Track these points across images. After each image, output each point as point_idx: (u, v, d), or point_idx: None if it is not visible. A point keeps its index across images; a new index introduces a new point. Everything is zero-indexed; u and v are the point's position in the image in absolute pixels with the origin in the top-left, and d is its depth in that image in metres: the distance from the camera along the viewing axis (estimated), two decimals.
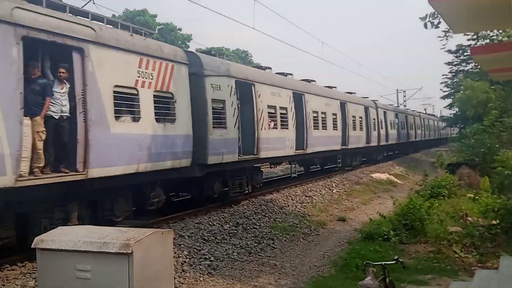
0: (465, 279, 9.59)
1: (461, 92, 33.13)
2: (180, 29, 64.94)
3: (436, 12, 10.63)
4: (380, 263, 6.67)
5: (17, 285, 8.49)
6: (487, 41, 24.74)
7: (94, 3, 16.51)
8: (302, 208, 17.48)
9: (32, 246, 6.16)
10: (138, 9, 61.21)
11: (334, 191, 21.82)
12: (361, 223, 15.94)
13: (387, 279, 6.52)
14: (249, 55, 77.77)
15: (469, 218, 14.24)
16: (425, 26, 10.99)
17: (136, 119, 11.84)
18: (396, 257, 6.86)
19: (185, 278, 9.61)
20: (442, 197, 17.58)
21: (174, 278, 8.69)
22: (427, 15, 11.51)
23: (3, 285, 8.44)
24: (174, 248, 9.35)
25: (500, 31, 19.91)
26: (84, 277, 5.78)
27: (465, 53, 41.30)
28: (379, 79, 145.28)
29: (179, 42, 59.64)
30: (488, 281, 7.99)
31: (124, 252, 5.59)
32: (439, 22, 11.04)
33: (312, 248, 13.09)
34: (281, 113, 19.77)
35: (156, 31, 60.43)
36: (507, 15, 6.47)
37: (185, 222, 13.47)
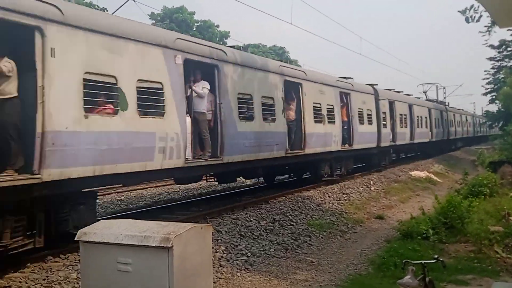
0: (508, 280, 9.36)
1: (506, 87, 32.27)
2: (218, 26, 65.22)
3: (476, 5, 10.38)
4: (420, 262, 6.58)
5: (60, 276, 8.73)
6: None
7: (134, 1, 16.67)
8: (339, 206, 17.37)
9: (75, 239, 6.32)
10: (176, 7, 61.79)
11: (372, 189, 21.60)
12: (399, 221, 15.72)
13: (427, 278, 6.42)
14: (286, 51, 77.59)
15: (511, 218, 13.87)
16: (467, 20, 10.72)
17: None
18: (436, 256, 6.75)
19: (222, 273, 9.69)
20: (483, 196, 17.16)
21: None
22: (466, 8, 11.26)
23: (47, 276, 8.70)
24: (212, 243, 9.45)
25: None
26: (125, 270, 5.88)
27: (509, 48, 40.26)
28: (419, 75, 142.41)
29: (217, 39, 59.94)
30: None
31: (165, 246, 5.66)
32: (481, 16, 10.78)
33: (349, 246, 13.01)
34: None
35: (195, 28, 60.94)
36: None
37: (222, 218, 13.60)
